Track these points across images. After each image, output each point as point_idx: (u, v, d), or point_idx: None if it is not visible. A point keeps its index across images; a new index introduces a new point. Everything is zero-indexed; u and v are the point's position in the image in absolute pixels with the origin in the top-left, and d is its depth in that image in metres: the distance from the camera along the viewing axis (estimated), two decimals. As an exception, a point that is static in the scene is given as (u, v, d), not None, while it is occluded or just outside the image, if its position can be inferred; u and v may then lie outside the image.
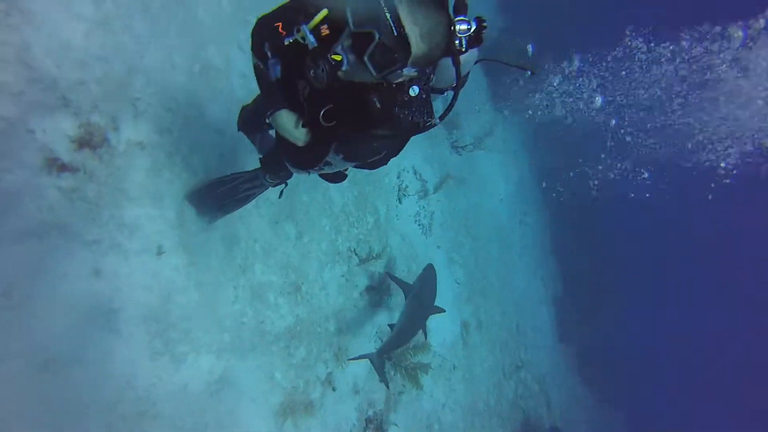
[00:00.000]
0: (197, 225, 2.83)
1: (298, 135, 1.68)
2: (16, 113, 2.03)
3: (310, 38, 1.38)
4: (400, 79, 1.40)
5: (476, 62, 1.72)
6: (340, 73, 1.39)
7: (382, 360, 3.73)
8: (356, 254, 4.41)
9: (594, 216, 14.85)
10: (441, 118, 1.63)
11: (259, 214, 3.36)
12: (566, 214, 14.16)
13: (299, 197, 3.78)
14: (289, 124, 1.67)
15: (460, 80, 1.49)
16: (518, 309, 9.33)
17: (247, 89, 3.32)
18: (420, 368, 4.52)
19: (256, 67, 1.72)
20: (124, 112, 2.51)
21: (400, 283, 4.22)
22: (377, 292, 4.52)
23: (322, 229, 4.00)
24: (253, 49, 1.68)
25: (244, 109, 2.63)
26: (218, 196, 2.68)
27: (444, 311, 4.29)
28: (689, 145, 4.99)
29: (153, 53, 2.76)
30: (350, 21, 1.28)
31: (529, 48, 9.16)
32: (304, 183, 3.73)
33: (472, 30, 1.45)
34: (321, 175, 2.15)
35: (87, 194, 2.27)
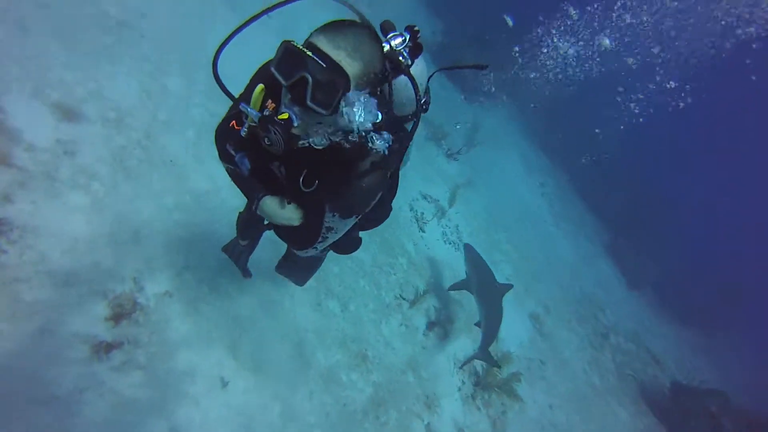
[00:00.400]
0: (249, 342, 2.86)
1: (288, 214, 1.63)
2: (53, 319, 2.12)
3: (251, 112, 1.32)
4: (361, 120, 1.28)
5: (431, 75, 1.70)
6: (295, 131, 1.32)
7: (487, 352, 4.06)
8: (404, 299, 4.36)
9: (607, 152, 14.45)
10: (411, 132, 1.58)
11: (300, 303, 3.38)
12: (580, 165, 13.93)
13: (330, 270, 3.80)
14: (275, 207, 1.62)
15: (418, 95, 1.47)
16: (577, 276, 9.06)
17: (239, 195, 3.42)
18: (512, 380, 4.36)
19: (228, 172, 1.72)
20: (142, 272, 2.60)
21: (459, 285, 4.46)
22: (440, 326, 4.43)
23: (362, 290, 3.99)
24: (219, 156, 1.69)
25: (239, 217, 2.65)
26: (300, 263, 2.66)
27: (511, 286, 4.52)
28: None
29: (146, 206, 2.88)
30: (280, 79, 1.24)
31: (509, 19, 9.32)
32: (329, 256, 3.77)
33: (407, 40, 1.45)
34: (336, 249, 2.14)
35: (139, 360, 2.33)
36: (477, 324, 4.22)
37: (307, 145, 1.38)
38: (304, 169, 1.50)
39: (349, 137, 1.35)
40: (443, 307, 4.74)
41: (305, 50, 1.18)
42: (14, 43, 2.91)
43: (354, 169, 1.43)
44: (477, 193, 7.16)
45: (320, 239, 1.65)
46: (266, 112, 1.31)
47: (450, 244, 5.82)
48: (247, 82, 1.53)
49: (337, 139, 1.36)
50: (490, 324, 4.14)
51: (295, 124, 1.29)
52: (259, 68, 1.54)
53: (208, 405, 2.48)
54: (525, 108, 12.87)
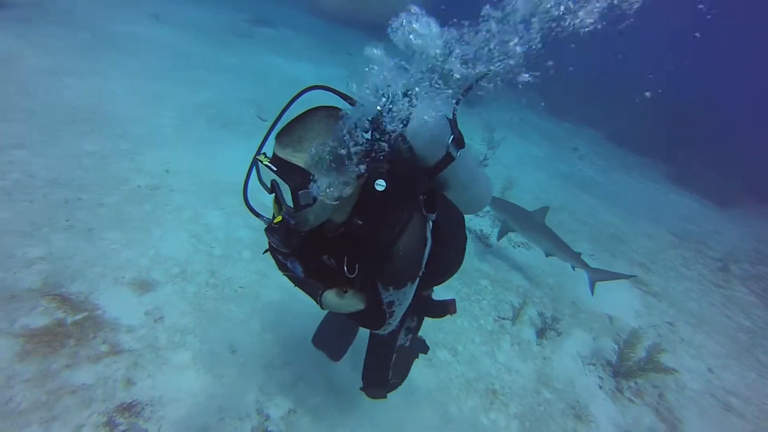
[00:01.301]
0: (388, 421, 2.81)
1: (350, 302, 1.63)
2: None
3: (265, 219, 1.52)
4: (339, 192, 1.32)
5: (455, 109, 1.65)
6: (297, 226, 1.39)
7: (578, 258, 4.53)
8: (503, 318, 4.19)
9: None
10: (434, 172, 1.58)
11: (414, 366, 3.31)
12: (609, 117, 13.52)
13: (425, 323, 3.73)
14: (335, 299, 1.63)
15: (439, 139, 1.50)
16: (659, 220, 8.48)
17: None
18: (653, 355, 3.97)
19: (289, 279, 1.78)
20: (261, 401, 2.68)
21: (503, 232, 4.85)
22: (549, 329, 4.19)
23: (462, 329, 3.89)
24: (278, 268, 1.77)
25: (321, 326, 2.71)
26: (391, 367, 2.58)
27: (547, 208, 4.75)
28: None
29: (238, 337, 3.01)
30: (264, 189, 1.36)
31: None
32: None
33: (392, 96, 1.42)
34: (430, 315, 2.10)
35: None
36: (547, 255, 4.67)
37: (316, 233, 1.47)
38: (343, 256, 1.53)
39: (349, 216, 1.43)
40: (544, 309, 4.51)
41: (261, 161, 1.29)
42: (85, 245, 3.23)
43: (381, 240, 1.41)
44: (517, 191, 6.99)
45: (388, 315, 1.61)
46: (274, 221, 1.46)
47: (519, 246, 5.64)
48: None
49: (336, 220, 1.45)
50: (555, 243, 4.54)
51: (292, 223, 1.38)
52: None
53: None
54: (516, 93, 12.82)
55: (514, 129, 10.66)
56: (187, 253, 3.54)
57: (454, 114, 1.68)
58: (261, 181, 1.38)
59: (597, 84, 14.01)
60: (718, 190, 10.82)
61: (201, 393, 2.60)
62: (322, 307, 1.68)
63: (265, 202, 1.91)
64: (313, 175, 1.26)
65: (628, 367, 3.87)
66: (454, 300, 2.05)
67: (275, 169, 1.26)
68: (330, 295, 1.64)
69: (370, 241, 1.41)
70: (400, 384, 2.48)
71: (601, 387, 3.77)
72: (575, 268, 4.65)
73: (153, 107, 5.53)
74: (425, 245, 1.52)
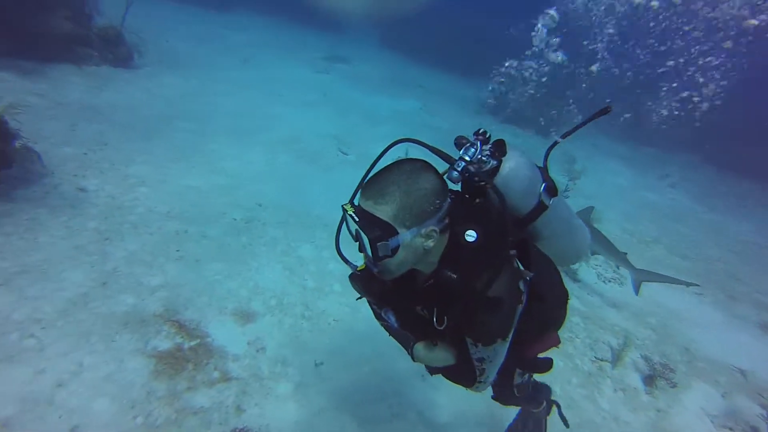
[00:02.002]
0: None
1: (439, 355, 1.57)
2: None
3: (352, 266, 1.57)
4: (426, 242, 1.33)
5: (550, 149, 1.65)
6: (380, 275, 1.40)
7: (623, 258, 4.45)
8: (602, 360, 3.86)
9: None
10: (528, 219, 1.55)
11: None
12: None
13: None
14: (426, 352, 1.59)
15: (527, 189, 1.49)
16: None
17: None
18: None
19: (384, 328, 1.76)
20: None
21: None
22: (660, 377, 3.79)
23: (558, 369, 3.63)
24: (375, 317, 1.78)
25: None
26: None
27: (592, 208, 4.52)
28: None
29: (337, 371, 3.03)
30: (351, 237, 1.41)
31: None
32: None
33: (481, 146, 1.44)
34: (536, 371, 1.94)
35: None
36: (592, 253, 4.59)
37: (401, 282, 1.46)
38: (433, 308, 1.49)
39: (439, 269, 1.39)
40: (651, 353, 4.10)
41: (347, 210, 1.33)
42: (194, 275, 3.49)
43: (469, 292, 1.34)
44: (605, 220, 6.55)
45: (478, 372, 1.53)
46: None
47: (610, 282, 5.25)
48: None
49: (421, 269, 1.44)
50: (599, 239, 4.33)
51: (375, 271, 1.38)
52: None
53: None
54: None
55: (589, 157, 10.13)
56: (283, 285, 3.69)
57: (545, 161, 1.67)
58: (348, 229, 1.41)
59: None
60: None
61: (304, 424, 2.63)
62: (413, 359, 1.64)
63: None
64: (394, 227, 1.27)
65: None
66: (550, 359, 1.91)
67: (357, 219, 1.29)
68: (420, 347, 1.60)
69: (458, 292, 1.36)
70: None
71: (732, 446, 3.30)
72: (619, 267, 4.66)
73: (245, 143, 5.98)
74: (518, 301, 1.45)
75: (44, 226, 3.54)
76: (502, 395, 2.12)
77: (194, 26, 11.54)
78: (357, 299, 1.71)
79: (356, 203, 1.37)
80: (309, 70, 10.61)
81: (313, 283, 3.79)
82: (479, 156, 1.43)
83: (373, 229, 1.27)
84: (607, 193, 8.42)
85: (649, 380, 3.78)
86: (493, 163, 1.45)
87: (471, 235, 1.32)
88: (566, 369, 3.70)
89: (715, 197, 10.07)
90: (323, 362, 3.08)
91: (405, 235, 1.28)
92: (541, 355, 1.85)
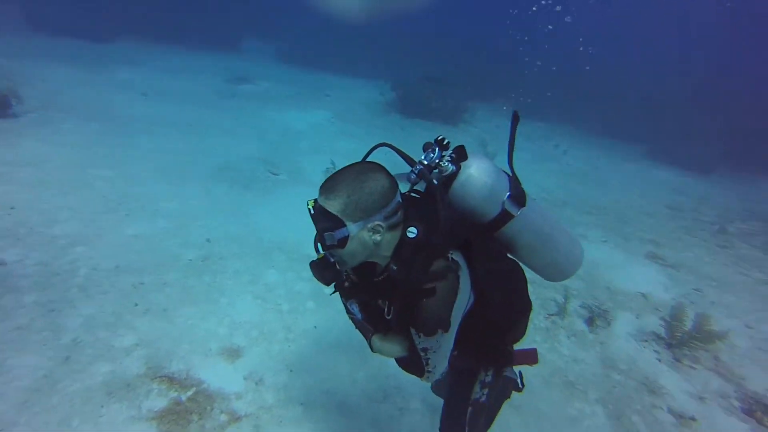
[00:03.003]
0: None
1: (391, 346, 1.65)
2: None
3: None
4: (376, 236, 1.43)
5: (510, 159, 1.70)
6: (338, 264, 1.52)
7: None
8: (552, 315, 4.48)
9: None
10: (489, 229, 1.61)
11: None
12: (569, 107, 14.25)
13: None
14: (380, 344, 1.68)
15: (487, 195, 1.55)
16: (651, 198, 9.03)
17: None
18: (701, 324, 4.26)
19: (352, 322, 1.83)
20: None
21: None
22: (598, 317, 4.47)
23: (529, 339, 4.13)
24: (346, 312, 1.84)
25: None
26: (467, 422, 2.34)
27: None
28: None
29: (339, 387, 3.19)
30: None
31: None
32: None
33: (438, 151, 1.54)
34: (501, 366, 1.98)
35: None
36: None
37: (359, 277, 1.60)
38: (385, 301, 1.60)
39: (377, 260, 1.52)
40: (584, 299, 4.81)
41: (308, 204, 1.47)
42: (166, 326, 3.39)
43: (405, 284, 1.44)
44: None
45: (424, 362, 1.58)
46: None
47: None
48: None
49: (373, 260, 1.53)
50: None
51: (332, 260, 1.50)
52: None
53: None
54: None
55: (494, 138, 11.17)
56: (258, 314, 3.72)
57: (512, 169, 1.71)
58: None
59: (557, 75, 14.84)
60: (695, 159, 11.53)
61: (323, 441, 2.77)
62: (372, 350, 1.71)
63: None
64: (342, 220, 1.39)
65: (679, 339, 4.17)
66: (534, 349, 2.01)
67: (312, 213, 1.45)
68: (375, 339, 1.69)
69: (399, 284, 1.46)
70: None
71: (660, 360, 4.06)
72: None
73: (174, 180, 5.74)
74: (454, 295, 1.48)
75: (-28, 315, 3.19)
76: (449, 419, 2.05)
77: (76, 61, 10.50)
78: (331, 294, 1.80)
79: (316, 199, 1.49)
80: (215, 96, 10.27)
81: (287, 305, 3.88)
82: (436, 161, 1.53)
83: (322, 221, 1.41)
84: (518, 168, 9.41)
85: (590, 321, 4.47)
86: (452, 168, 1.54)
87: (412, 232, 1.43)
88: (529, 330, 4.22)
89: (596, 159, 11.68)
90: (323, 379, 3.22)
91: (351, 228, 1.40)
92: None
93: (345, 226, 1.39)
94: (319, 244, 1.51)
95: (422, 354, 1.55)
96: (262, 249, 4.60)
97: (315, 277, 1.61)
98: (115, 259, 4.03)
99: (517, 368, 2.09)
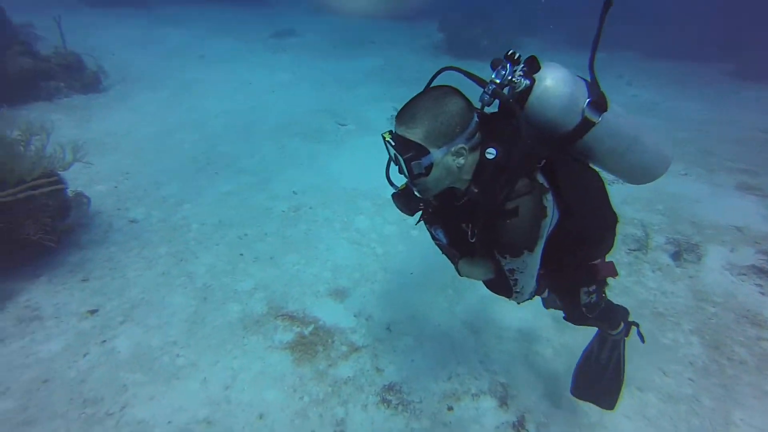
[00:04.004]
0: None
1: (479, 269, 1.68)
2: None
3: (395, 188, 1.74)
4: (457, 160, 1.43)
5: (592, 61, 1.61)
6: (420, 194, 1.54)
7: None
8: (634, 250, 4.47)
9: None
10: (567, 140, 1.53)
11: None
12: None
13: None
14: (467, 267, 1.71)
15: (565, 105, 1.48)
16: (742, 123, 8.37)
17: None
18: None
19: (439, 249, 1.85)
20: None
21: None
22: (685, 251, 4.42)
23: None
24: (432, 238, 1.86)
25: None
26: (597, 381, 2.53)
27: None
28: None
29: (436, 313, 3.44)
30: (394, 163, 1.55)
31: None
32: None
33: (510, 67, 1.45)
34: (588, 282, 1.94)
35: None
36: None
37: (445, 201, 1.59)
38: (469, 224, 1.59)
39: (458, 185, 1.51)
40: (674, 233, 4.72)
41: (385, 138, 1.47)
42: (276, 271, 3.74)
43: (489, 207, 1.43)
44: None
45: (512, 283, 1.60)
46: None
47: (613, 183, 5.82)
48: None
49: (455, 186, 1.54)
50: None
51: (415, 190, 1.53)
52: None
53: None
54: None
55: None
56: (356, 257, 4.00)
57: (592, 74, 1.62)
58: (391, 157, 1.56)
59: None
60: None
61: (436, 367, 3.05)
62: (459, 275, 1.76)
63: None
64: (426, 147, 1.39)
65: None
66: (611, 262, 1.95)
67: (393, 144, 1.43)
68: (463, 263, 1.72)
69: (481, 206, 1.46)
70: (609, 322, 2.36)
71: (763, 293, 3.99)
72: None
73: (251, 138, 6.02)
74: (542, 215, 1.47)
75: (124, 263, 3.67)
76: (573, 315, 2.14)
77: (129, 30, 10.83)
78: (417, 223, 1.88)
79: (394, 131, 1.48)
80: (266, 52, 10.33)
81: (380, 249, 4.12)
82: (509, 77, 1.46)
83: (407, 151, 1.39)
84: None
85: (677, 255, 4.43)
86: (526, 82, 1.47)
87: (491, 153, 1.41)
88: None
89: (666, 86, 10.84)
90: (425, 312, 3.48)
91: (435, 154, 1.39)
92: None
93: (429, 153, 1.39)
94: (392, 176, 1.56)
95: (509, 275, 1.57)
96: (346, 197, 4.83)
97: (399, 208, 1.71)
98: (217, 215, 4.40)
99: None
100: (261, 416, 2.61)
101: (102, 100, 6.74)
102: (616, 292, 3.92)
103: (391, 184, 1.74)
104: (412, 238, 4.26)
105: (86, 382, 2.70)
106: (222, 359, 2.94)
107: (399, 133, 1.42)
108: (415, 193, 1.55)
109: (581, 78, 1.57)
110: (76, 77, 6.48)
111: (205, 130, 6.14)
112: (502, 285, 1.66)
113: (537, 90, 1.46)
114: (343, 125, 6.66)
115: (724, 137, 7.58)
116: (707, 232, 4.85)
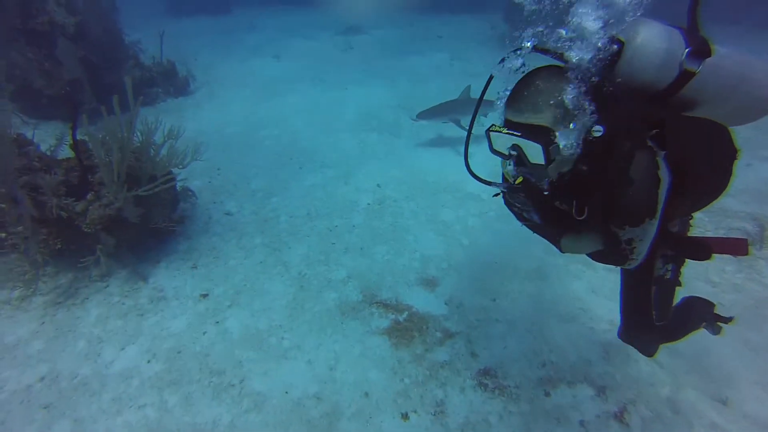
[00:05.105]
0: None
1: (586, 244, 1.65)
2: None
3: (501, 186, 1.66)
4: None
5: (694, 13, 1.46)
6: (539, 182, 1.51)
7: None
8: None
9: None
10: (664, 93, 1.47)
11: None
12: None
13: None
14: (573, 243, 1.68)
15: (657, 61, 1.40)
16: None
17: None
18: None
19: (529, 228, 1.83)
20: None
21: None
22: None
23: (717, 268, 3.90)
24: (517, 218, 1.83)
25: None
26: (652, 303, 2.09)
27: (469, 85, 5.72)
28: None
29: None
30: (501, 158, 1.53)
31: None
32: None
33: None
34: (688, 255, 1.86)
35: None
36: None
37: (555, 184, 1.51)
38: (572, 201, 1.56)
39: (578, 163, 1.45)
40: None
41: (496, 130, 1.43)
42: (367, 261, 3.87)
43: (604, 183, 1.42)
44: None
45: (629, 252, 1.54)
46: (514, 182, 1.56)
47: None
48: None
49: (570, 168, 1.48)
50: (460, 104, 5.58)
51: (533, 180, 1.49)
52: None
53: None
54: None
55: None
56: (443, 248, 4.04)
57: (691, 19, 1.48)
58: (494, 150, 1.52)
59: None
60: None
61: (529, 354, 3.02)
62: (562, 251, 1.73)
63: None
64: (554, 131, 1.36)
65: None
66: (745, 240, 1.78)
67: (519, 133, 1.37)
68: (567, 240, 1.69)
69: (594, 184, 1.44)
70: (671, 336, 2.14)
71: None
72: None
73: (329, 132, 6.27)
74: (657, 181, 1.42)
75: (224, 252, 3.97)
76: (634, 321, 1.95)
77: (206, 37, 11.60)
78: (495, 195, 1.79)
79: (506, 121, 1.45)
80: (335, 50, 10.64)
81: (466, 240, 4.14)
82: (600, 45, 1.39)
83: (541, 136, 1.35)
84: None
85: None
86: (614, 47, 1.40)
87: (598, 130, 1.37)
88: (713, 261, 3.96)
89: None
90: (513, 300, 3.46)
91: (561, 135, 1.37)
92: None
93: (556, 134, 1.37)
94: (530, 164, 1.44)
95: (626, 245, 1.52)
96: (428, 190, 4.89)
97: (521, 203, 1.65)
98: (305, 207, 4.62)
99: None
100: (366, 394, 2.74)
101: (191, 101, 7.31)
102: (722, 288, 3.66)
103: (475, 177, 1.75)
104: (495, 230, 4.24)
105: (210, 356, 2.97)
106: (324, 342, 3.11)
107: (521, 120, 1.39)
108: (530, 180, 1.52)
109: (676, 27, 1.47)
110: (171, 83, 7.08)
111: (286, 126, 6.45)
112: (613, 255, 1.61)
113: (627, 53, 1.41)
114: (416, 120, 6.71)
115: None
116: None
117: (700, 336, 2.52)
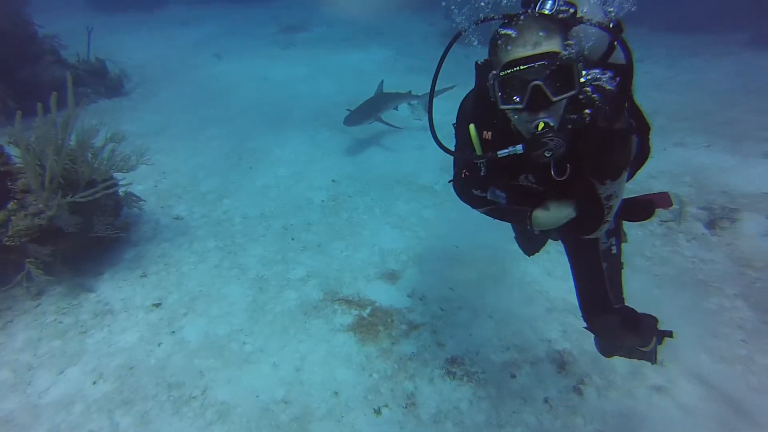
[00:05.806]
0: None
1: (562, 212, 1.62)
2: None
3: (515, 149, 1.43)
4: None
5: None
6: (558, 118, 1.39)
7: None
8: (666, 221, 4.52)
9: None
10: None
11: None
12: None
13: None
14: (546, 214, 1.63)
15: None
16: (765, 92, 8.26)
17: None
18: None
19: (488, 214, 1.80)
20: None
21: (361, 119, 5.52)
22: (722, 219, 4.47)
23: (638, 237, 4.23)
24: (473, 206, 1.80)
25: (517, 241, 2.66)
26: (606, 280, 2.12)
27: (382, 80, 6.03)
28: None
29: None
30: (516, 104, 1.34)
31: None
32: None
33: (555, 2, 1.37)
34: (630, 218, 1.85)
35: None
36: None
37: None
38: (549, 165, 1.51)
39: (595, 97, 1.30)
40: (705, 203, 4.75)
41: (517, 68, 1.28)
42: (325, 258, 3.83)
43: (601, 131, 1.32)
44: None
45: (606, 211, 1.54)
46: (536, 131, 1.35)
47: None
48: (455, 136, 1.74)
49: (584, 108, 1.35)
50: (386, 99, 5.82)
51: (552, 124, 1.35)
52: (459, 119, 1.70)
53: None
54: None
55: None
56: (401, 241, 4.09)
57: None
58: (506, 95, 1.37)
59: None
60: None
61: (493, 339, 3.15)
62: (532, 229, 1.69)
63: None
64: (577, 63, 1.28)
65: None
66: (666, 193, 1.82)
67: (546, 62, 1.26)
68: (540, 213, 1.64)
69: (588, 135, 1.35)
70: (632, 327, 2.05)
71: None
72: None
73: (278, 130, 6.12)
74: (633, 132, 1.40)
75: (176, 258, 3.78)
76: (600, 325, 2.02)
77: (139, 33, 10.90)
78: (449, 182, 1.78)
79: (517, 60, 1.30)
80: (276, 48, 10.38)
81: (422, 232, 4.21)
82: (554, 5, 1.37)
83: (565, 59, 1.26)
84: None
85: (711, 224, 4.48)
86: (571, 9, 1.38)
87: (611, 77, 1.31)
88: (645, 237, 4.31)
89: (681, 58, 10.77)
90: (476, 288, 3.57)
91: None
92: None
93: (580, 61, 1.31)
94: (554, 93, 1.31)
95: (605, 202, 1.51)
96: (381, 184, 4.92)
97: (552, 147, 1.36)
98: (259, 207, 4.50)
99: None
100: (336, 393, 2.72)
101: (127, 102, 6.85)
102: (654, 261, 3.99)
103: (441, 145, 1.65)
104: (451, 220, 4.35)
105: (166, 368, 2.82)
106: (288, 344, 3.05)
107: (539, 51, 1.27)
108: (550, 123, 1.35)
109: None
110: (102, 82, 6.58)
111: (233, 125, 6.23)
112: (590, 216, 1.59)
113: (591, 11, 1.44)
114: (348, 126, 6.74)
115: (745, 107, 7.55)
116: (740, 200, 4.89)
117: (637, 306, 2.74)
